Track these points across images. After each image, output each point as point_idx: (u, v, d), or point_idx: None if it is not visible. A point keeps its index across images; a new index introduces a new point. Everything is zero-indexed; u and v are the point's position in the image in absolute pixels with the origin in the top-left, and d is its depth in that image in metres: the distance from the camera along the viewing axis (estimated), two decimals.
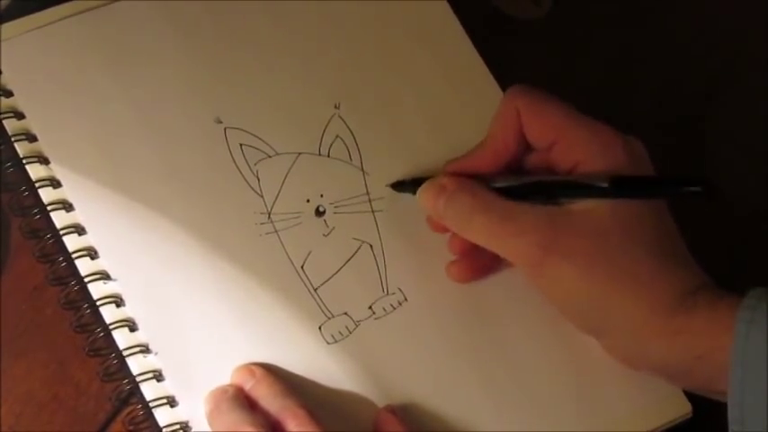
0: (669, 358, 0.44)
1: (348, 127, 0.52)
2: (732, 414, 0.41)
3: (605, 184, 0.44)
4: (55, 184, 0.50)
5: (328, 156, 0.52)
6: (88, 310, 0.49)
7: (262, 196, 0.50)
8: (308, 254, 0.50)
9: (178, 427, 0.47)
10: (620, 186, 0.44)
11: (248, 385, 0.47)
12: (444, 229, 0.49)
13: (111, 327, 0.48)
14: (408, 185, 0.50)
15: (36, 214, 0.49)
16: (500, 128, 0.48)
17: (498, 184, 0.47)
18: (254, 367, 0.47)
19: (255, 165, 0.51)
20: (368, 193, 0.51)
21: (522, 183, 0.47)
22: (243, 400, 0.46)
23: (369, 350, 0.49)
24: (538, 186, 0.47)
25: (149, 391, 0.48)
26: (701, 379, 0.44)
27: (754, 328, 0.41)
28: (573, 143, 0.46)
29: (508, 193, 0.47)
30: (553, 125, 0.47)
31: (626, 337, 0.45)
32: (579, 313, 0.46)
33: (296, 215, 0.50)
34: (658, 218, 0.46)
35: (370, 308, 0.50)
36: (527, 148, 0.48)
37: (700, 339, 0.43)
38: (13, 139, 0.50)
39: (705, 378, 0.43)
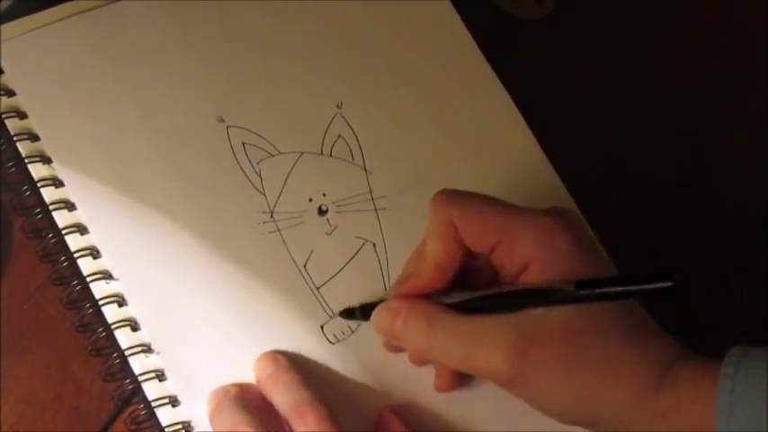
0: None
1: (350, 126, 0.52)
2: None
3: (571, 287, 0.42)
4: (57, 183, 0.50)
5: (330, 155, 0.52)
6: (90, 310, 0.49)
7: (264, 195, 0.50)
8: (311, 253, 0.50)
9: (180, 426, 0.47)
10: (587, 289, 0.42)
11: (269, 372, 0.47)
12: (402, 350, 0.48)
13: (113, 326, 0.48)
14: (358, 313, 0.48)
15: (38, 214, 0.49)
16: (438, 241, 0.45)
17: (454, 300, 0.45)
18: (279, 356, 0.47)
19: (258, 164, 0.51)
20: (370, 192, 0.51)
21: (480, 296, 0.45)
22: (245, 400, 0.46)
23: (371, 349, 0.49)
24: (498, 297, 0.44)
25: (151, 390, 0.48)
26: None
27: (737, 399, 0.40)
28: (516, 242, 0.44)
29: (465, 307, 0.45)
30: (491, 228, 0.44)
31: (616, 426, 0.43)
32: (563, 412, 0.44)
33: (298, 214, 0.50)
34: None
35: None
36: (471, 253, 0.46)
37: (687, 417, 0.42)
38: (15, 138, 0.50)
39: None
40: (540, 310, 0.43)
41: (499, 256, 0.45)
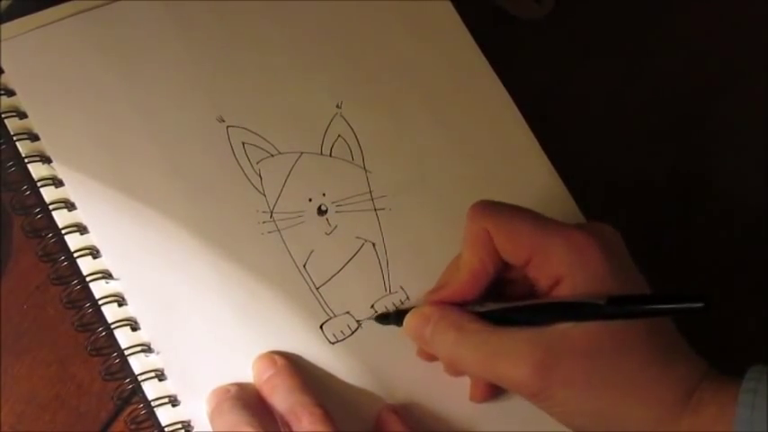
0: None
1: (350, 126, 0.52)
2: None
3: (602, 302, 0.42)
4: (57, 183, 0.50)
5: (330, 155, 0.52)
6: (90, 310, 0.49)
7: (264, 195, 0.50)
8: (311, 253, 0.50)
9: (180, 426, 0.47)
10: (617, 306, 0.42)
11: (267, 374, 0.47)
12: (435, 358, 0.48)
13: (112, 326, 0.48)
14: (393, 318, 0.48)
15: (38, 213, 0.49)
16: (474, 251, 0.46)
17: (485, 309, 0.45)
18: (276, 357, 0.47)
19: (258, 163, 0.51)
20: (370, 192, 0.51)
21: (511, 307, 0.45)
22: (245, 399, 0.46)
23: (370, 349, 0.49)
24: (528, 310, 0.45)
25: (151, 390, 0.48)
26: None
27: (757, 414, 0.40)
28: (549, 257, 0.44)
29: (496, 317, 0.45)
30: (525, 242, 0.45)
31: None
32: (583, 428, 0.44)
33: (298, 214, 0.50)
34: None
35: (372, 307, 0.50)
36: (506, 265, 0.46)
37: None
38: (14, 138, 0.50)
39: None
40: (567, 325, 0.43)
41: (532, 269, 0.45)
